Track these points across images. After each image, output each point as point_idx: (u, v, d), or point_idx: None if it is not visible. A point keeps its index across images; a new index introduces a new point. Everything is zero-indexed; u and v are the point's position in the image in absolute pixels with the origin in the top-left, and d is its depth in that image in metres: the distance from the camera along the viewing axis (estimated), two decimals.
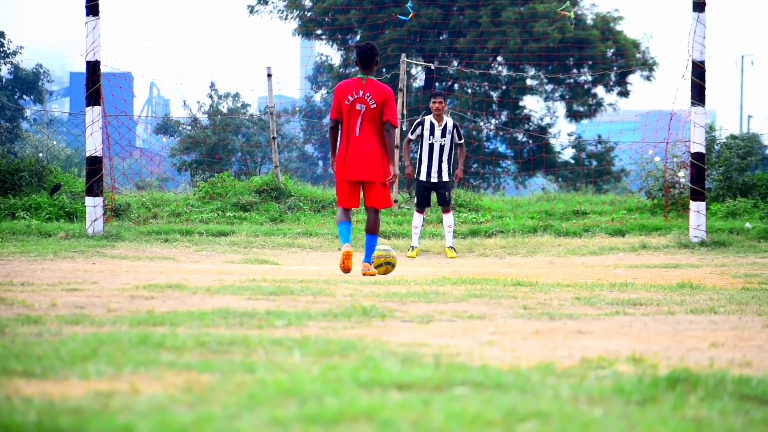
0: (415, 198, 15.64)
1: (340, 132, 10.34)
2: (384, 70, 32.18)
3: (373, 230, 10.35)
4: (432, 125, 15.05)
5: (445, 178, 15.11)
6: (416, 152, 16.22)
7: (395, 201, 19.09)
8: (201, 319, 5.42)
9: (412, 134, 15.18)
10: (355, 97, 10.21)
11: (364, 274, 10.12)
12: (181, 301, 6.42)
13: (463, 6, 37.85)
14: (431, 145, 15.06)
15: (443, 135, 15.02)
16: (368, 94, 10.21)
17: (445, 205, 15.26)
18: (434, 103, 14.98)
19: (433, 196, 15.98)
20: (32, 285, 7.54)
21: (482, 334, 5.14)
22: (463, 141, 15.12)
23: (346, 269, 10.03)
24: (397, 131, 18.90)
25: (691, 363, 4.29)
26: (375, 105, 10.19)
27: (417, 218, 15.42)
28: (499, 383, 3.69)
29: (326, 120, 39.74)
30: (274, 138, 20.06)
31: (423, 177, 15.19)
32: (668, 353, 4.58)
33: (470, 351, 4.53)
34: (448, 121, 15.08)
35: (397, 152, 14.03)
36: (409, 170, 15.24)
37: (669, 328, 5.56)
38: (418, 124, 15.12)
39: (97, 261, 11.97)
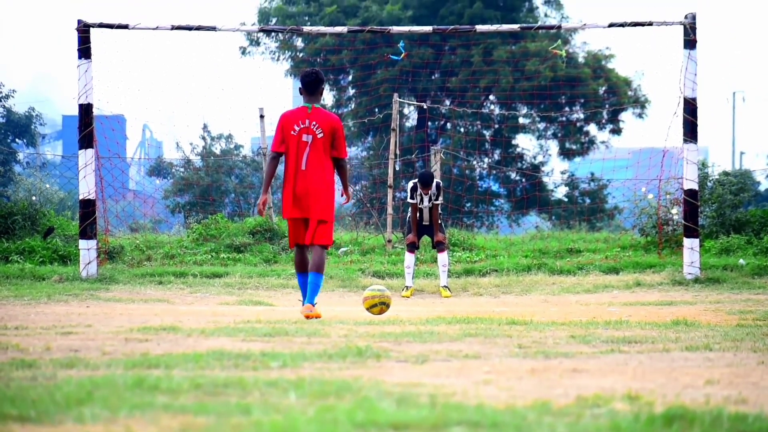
0: (406, 237, 15.76)
1: (283, 165, 9.74)
2: (377, 110, 32.27)
3: (318, 268, 9.61)
4: (421, 196, 15.64)
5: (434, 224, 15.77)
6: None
7: (389, 241, 19.09)
8: (196, 361, 5.40)
9: (412, 199, 15.65)
10: (302, 126, 9.60)
11: (307, 317, 9.34)
12: (176, 343, 6.41)
13: (455, 45, 38.01)
14: (420, 209, 15.72)
15: (429, 200, 15.66)
16: (315, 123, 9.58)
17: (438, 243, 15.43)
18: (423, 189, 15.52)
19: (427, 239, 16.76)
20: (26, 329, 7.53)
21: (478, 374, 5.13)
22: (440, 201, 15.67)
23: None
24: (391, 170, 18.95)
25: (686, 400, 4.28)
26: (322, 134, 9.58)
27: (409, 258, 15.54)
28: (495, 422, 3.68)
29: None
30: None
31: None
32: (664, 391, 4.58)
33: (466, 390, 4.52)
34: (434, 185, 15.61)
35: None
36: (410, 238, 15.64)
37: (664, 365, 5.55)
38: (413, 190, 15.63)
39: (91, 304, 11.95)
